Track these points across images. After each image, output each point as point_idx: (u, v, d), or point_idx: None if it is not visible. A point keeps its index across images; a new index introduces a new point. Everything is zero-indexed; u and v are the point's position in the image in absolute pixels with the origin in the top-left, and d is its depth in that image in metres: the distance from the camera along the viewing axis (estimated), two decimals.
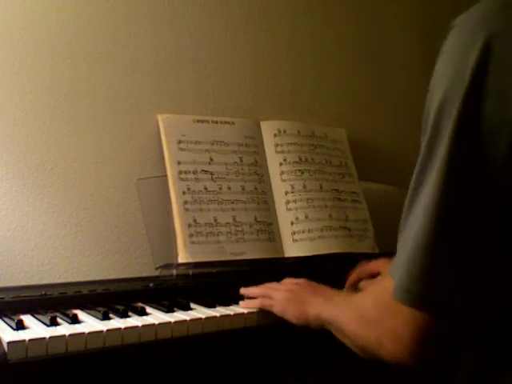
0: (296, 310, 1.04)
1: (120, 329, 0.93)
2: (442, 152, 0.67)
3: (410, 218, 0.71)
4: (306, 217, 1.44)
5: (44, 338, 0.86)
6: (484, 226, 0.66)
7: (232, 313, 1.06)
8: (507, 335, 0.70)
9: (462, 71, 0.67)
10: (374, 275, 1.23)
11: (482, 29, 0.67)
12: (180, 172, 1.34)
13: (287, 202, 1.45)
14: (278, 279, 1.17)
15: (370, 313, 0.79)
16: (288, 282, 1.14)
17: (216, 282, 1.30)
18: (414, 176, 0.72)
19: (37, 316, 1.02)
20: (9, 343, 0.84)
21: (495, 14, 0.69)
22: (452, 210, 0.67)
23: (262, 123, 1.52)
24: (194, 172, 1.36)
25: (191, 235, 1.29)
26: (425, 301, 0.68)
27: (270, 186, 1.46)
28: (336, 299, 0.97)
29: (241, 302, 1.13)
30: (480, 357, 0.75)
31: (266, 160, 1.48)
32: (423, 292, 0.68)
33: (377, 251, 1.48)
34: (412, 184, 0.72)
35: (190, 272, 1.31)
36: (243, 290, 1.17)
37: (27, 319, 0.99)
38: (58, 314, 0.99)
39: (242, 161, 1.43)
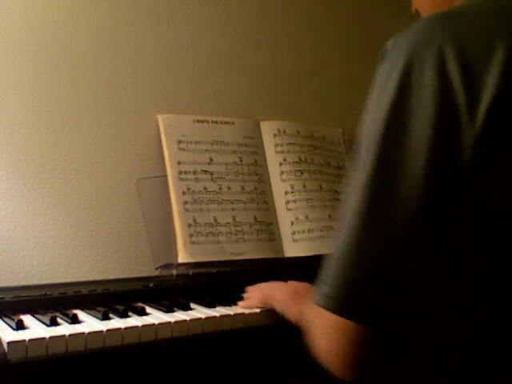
0: (293, 306, 1.03)
1: (120, 329, 0.93)
2: (369, 158, 0.68)
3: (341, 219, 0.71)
4: (306, 217, 1.44)
5: (44, 338, 0.86)
6: (410, 229, 0.65)
7: (232, 313, 1.06)
8: (493, 338, 0.70)
9: (386, 92, 0.69)
10: None
11: (404, 50, 0.72)
12: (180, 172, 1.34)
13: (287, 202, 1.45)
14: (278, 279, 1.17)
15: (314, 320, 0.77)
16: (291, 283, 1.13)
17: (216, 281, 1.30)
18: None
19: (37, 316, 1.02)
20: (9, 343, 0.84)
21: (416, 35, 0.72)
22: (376, 210, 0.66)
23: (261, 123, 1.52)
24: (194, 172, 1.36)
25: (191, 235, 1.29)
26: (345, 308, 0.67)
27: (270, 186, 1.46)
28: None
29: (240, 303, 1.13)
30: (466, 360, 0.74)
31: (265, 160, 1.48)
32: (344, 298, 0.67)
33: None
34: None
35: (190, 272, 1.31)
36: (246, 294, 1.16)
37: (27, 319, 0.99)
38: (58, 314, 0.99)
39: (241, 161, 1.44)
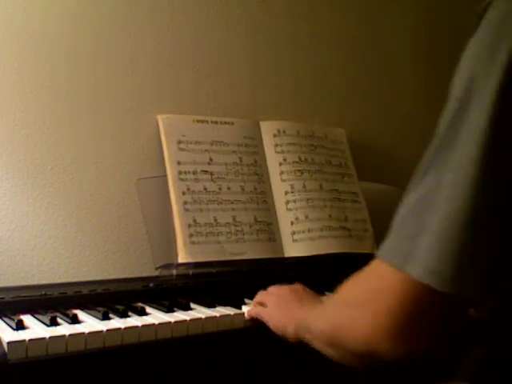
0: (279, 321, 1.02)
1: (120, 329, 0.93)
2: (480, 124, 0.61)
3: (425, 189, 0.66)
4: (306, 217, 1.44)
5: (44, 338, 0.86)
6: None
7: (232, 313, 1.06)
8: None
9: (500, 43, 0.63)
10: None
11: None
12: (180, 172, 1.34)
13: (287, 202, 1.45)
14: (278, 279, 1.17)
15: (351, 296, 0.74)
16: (283, 287, 1.13)
17: (216, 281, 1.30)
18: (427, 157, 0.67)
19: (37, 316, 1.02)
20: (9, 343, 0.84)
21: None
22: (493, 187, 0.62)
23: (261, 123, 1.52)
24: (194, 172, 1.36)
25: (191, 235, 1.29)
26: (457, 284, 0.62)
27: (270, 186, 1.46)
28: (317, 304, 0.96)
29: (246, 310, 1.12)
30: (494, 344, 0.73)
31: (265, 160, 1.48)
32: (457, 275, 0.62)
33: (376, 251, 1.47)
34: (423, 165, 0.67)
35: (190, 272, 1.31)
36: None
37: (27, 319, 0.99)
38: (58, 314, 0.99)
39: (241, 161, 1.44)
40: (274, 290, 1.14)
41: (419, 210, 0.66)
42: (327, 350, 0.80)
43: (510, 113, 0.62)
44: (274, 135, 1.51)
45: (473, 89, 0.64)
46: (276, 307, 1.06)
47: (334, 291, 1.24)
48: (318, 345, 0.84)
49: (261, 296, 1.13)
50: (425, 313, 0.65)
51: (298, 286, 1.12)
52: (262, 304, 1.10)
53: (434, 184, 0.65)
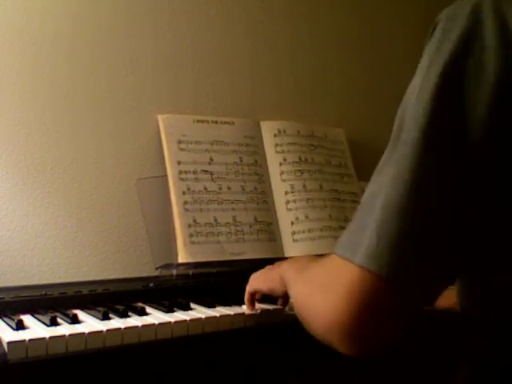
0: (264, 275, 1.07)
1: (120, 329, 0.93)
2: (419, 120, 0.67)
3: (375, 187, 0.70)
4: (306, 217, 1.44)
5: (44, 338, 0.86)
6: (462, 196, 0.64)
7: (232, 313, 1.06)
8: None
9: (444, 45, 0.68)
10: None
11: (466, 5, 0.68)
12: (180, 172, 1.34)
13: (287, 202, 1.45)
14: None
15: (316, 280, 0.76)
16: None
17: (216, 281, 1.30)
18: (383, 157, 0.72)
19: (37, 316, 1.02)
20: (9, 343, 0.84)
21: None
22: (429, 176, 0.65)
23: (261, 123, 1.52)
24: (194, 172, 1.36)
25: (191, 235, 1.29)
26: (395, 269, 0.64)
27: (270, 186, 1.46)
28: (301, 262, 0.97)
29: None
30: (492, 345, 0.73)
31: (265, 160, 1.48)
32: (394, 260, 0.64)
33: None
34: (382, 160, 0.72)
35: (190, 272, 1.31)
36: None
37: (27, 319, 0.99)
38: (58, 314, 0.99)
39: (241, 161, 1.43)
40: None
41: (367, 206, 0.70)
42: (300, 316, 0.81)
43: (447, 107, 0.66)
44: (275, 135, 1.51)
45: (412, 96, 0.71)
46: (261, 271, 1.10)
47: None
48: (295, 308, 0.84)
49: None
50: (376, 304, 0.66)
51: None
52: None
53: (381, 181, 0.69)
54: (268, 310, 1.11)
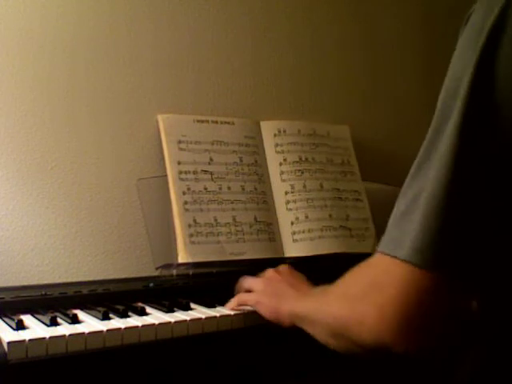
0: (269, 304, 1.02)
1: (120, 329, 0.93)
2: (455, 118, 0.66)
3: (414, 185, 0.69)
4: (306, 217, 1.44)
5: (44, 338, 0.86)
6: (501, 190, 0.65)
7: (232, 313, 1.06)
8: None
9: (476, 40, 0.67)
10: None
11: (498, 1, 0.67)
12: (180, 172, 1.34)
13: (287, 202, 1.45)
14: None
15: (353, 289, 0.75)
16: (269, 271, 1.12)
17: (216, 281, 1.30)
18: (422, 149, 0.71)
19: (37, 316, 1.02)
20: (9, 343, 0.84)
21: None
22: (468, 172, 0.65)
23: (261, 123, 1.52)
24: (194, 172, 1.36)
25: (191, 235, 1.29)
26: (439, 261, 0.64)
27: (270, 186, 1.46)
28: (312, 292, 0.95)
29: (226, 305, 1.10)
30: (488, 353, 0.73)
31: (265, 160, 1.48)
32: (439, 252, 0.64)
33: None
34: (419, 156, 0.71)
35: (190, 272, 1.31)
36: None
37: (27, 319, 0.99)
38: (58, 314, 0.99)
39: (241, 161, 1.43)
40: (260, 275, 1.13)
41: (412, 205, 0.69)
42: (330, 341, 0.80)
43: (482, 102, 0.65)
44: (275, 135, 1.51)
45: (455, 81, 0.68)
46: (264, 292, 1.05)
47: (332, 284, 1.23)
48: (320, 335, 0.84)
49: (245, 282, 1.12)
50: (426, 300, 0.65)
51: (284, 269, 1.11)
52: (248, 291, 1.09)
53: (423, 181, 0.68)
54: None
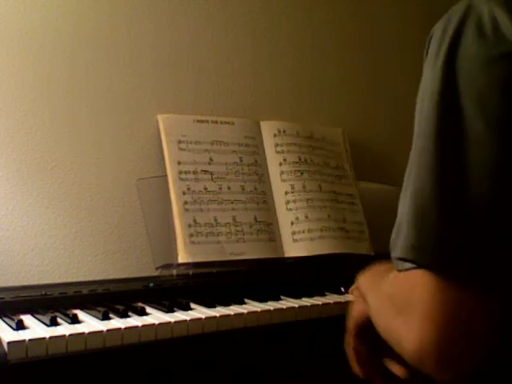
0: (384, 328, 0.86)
1: (120, 329, 0.93)
2: (428, 116, 0.70)
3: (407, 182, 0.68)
4: (306, 217, 1.44)
5: (44, 338, 0.86)
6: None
7: (232, 313, 1.06)
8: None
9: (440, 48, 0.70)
10: None
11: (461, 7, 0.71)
12: (180, 172, 1.34)
13: (287, 202, 1.45)
14: (278, 279, 1.17)
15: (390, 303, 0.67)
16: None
17: (216, 281, 1.30)
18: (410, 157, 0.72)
19: (37, 316, 1.02)
20: (9, 343, 0.84)
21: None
22: (450, 158, 0.64)
23: (261, 123, 1.52)
24: (194, 172, 1.36)
25: (191, 235, 1.29)
26: (437, 257, 0.60)
27: (270, 186, 1.46)
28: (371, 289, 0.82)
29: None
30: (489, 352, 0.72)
31: (265, 160, 1.48)
32: (436, 247, 0.60)
33: (372, 253, 1.49)
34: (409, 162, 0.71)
35: (190, 272, 1.31)
36: None
37: (27, 319, 0.99)
38: (58, 314, 0.99)
39: (241, 161, 1.43)
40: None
41: (403, 206, 0.67)
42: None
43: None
44: (275, 135, 1.51)
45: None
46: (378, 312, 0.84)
47: (335, 291, 1.23)
48: None
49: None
50: (460, 314, 0.59)
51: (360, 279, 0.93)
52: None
53: (408, 180, 0.68)
54: (268, 309, 1.10)
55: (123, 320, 0.99)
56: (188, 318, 1.01)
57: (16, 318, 0.94)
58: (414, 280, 0.61)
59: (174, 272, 1.30)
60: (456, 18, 0.71)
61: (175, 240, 1.29)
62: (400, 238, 0.64)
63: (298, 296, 1.19)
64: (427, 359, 0.59)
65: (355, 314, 0.82)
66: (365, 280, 0.83)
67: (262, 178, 1.45)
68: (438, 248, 0.61)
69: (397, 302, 0.65)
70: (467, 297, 0.58)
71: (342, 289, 1.23)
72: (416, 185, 0.65)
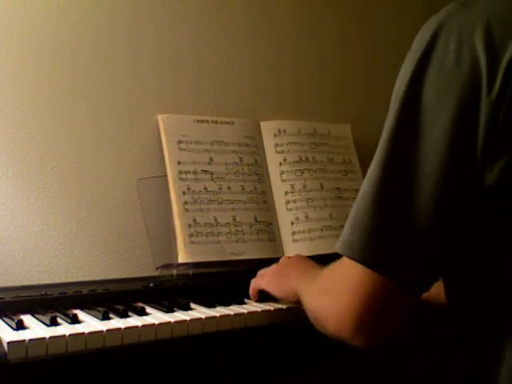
0: (278, 283, 1.10)
1: (120, 329, 0.93)
2: (388, 123, 0.80)
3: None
4: (306, 217, 1.44)
5: (44, 338, 0.86)
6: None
7: (232, 313, 1.06)
8: (503, 330, 0.70)
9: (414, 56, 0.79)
10: None
11: (434, 22, 0.79)
12: (180, 172, 1.34)
13: (287, 202, 1.45)
14: None
15: (326, 285, 0.84)
16: (282, 257, 1.21)
17: (216, 281, 1.30)
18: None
19: (37, 316, 1.02)
20: (9, 343, 0.84)
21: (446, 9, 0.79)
22: (393, 170, 0.73)
23: (261, 123, 1.52)
24: (194, 172, 1.36)
25: (191, 235, 1.29)
26: (365, 253, 0.72)
27: (270, 186, 1.46)
28: (309, 274, 1.01)
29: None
30: (479, 352, 0.74)
31: (265, 160, 1.48)
32: (364, 244, 0.72)
33: None
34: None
35: (190, 272, 1.31)
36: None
37: (27, 319, 0.99)
38: (58, 314, 0.99)
39: (241, 161, 1.44)
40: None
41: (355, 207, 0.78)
42: (313, 322, 0.87)
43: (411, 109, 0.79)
44: (275, 135, 1.51)
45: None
46: (274, 274, 1.14)
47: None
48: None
49: (261, 270, 1.19)
50: (379, 301, 0.72)
51: (295, 255, 1.21)
52: (261, 276, 1.16)
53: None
54: (268, 310, 1.10)
55: (123, 320, 0.99)
56: (188, 318, 1.01)
57: (16, 318, 0.93)
58: (345, 268, 0.76)
59: (174, 272, 1.30)
60: (425, 40, 0.79)
61: (175, 240, 1.29)
62: (342, 233, 0.77)
63: None
64: (346, 326, 0.74)
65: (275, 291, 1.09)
66: (300, 280, 1.00)
67: (262, 178, 1.45)
68: (366, 247, 0.72)
69: (329, 284, 0.82)
70: (385, 290, 0.72)
71: None
72: (365, 189, 0.75)
